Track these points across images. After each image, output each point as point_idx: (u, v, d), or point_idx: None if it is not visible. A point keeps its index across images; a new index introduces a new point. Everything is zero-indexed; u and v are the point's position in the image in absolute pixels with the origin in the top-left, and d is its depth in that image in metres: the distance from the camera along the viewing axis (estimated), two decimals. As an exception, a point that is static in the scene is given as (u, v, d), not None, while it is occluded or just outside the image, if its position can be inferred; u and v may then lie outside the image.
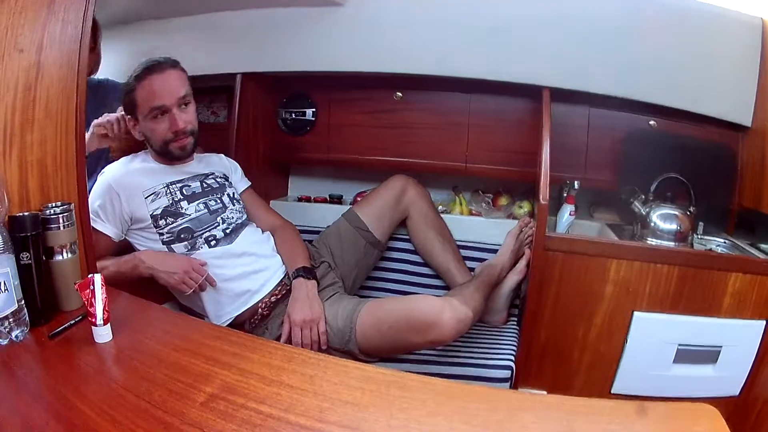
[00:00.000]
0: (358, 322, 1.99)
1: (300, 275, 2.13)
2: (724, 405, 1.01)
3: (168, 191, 2.09)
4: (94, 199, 1.99)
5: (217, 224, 2.14)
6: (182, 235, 2.07)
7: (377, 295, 2.67)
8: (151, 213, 2.04)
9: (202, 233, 2.10)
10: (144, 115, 2.08)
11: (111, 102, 2.30)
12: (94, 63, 2.47)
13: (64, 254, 1.43)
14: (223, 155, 2.48)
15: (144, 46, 2.61)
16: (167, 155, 2.16)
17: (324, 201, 3.18)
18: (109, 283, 1.47)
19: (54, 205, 1.43)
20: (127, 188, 2.04)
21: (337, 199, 3.18)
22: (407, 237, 2.74)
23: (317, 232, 2.65)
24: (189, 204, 2.11)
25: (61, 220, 1.40)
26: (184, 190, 2.13)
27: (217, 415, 0.98)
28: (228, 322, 2.09)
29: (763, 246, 2.30)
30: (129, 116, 2.13)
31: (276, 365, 1.18)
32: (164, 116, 2.08)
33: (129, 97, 2.09)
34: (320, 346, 2.01)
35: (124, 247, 2.11)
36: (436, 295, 2.05)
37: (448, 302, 1.92)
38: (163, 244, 2.06)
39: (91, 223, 1.76)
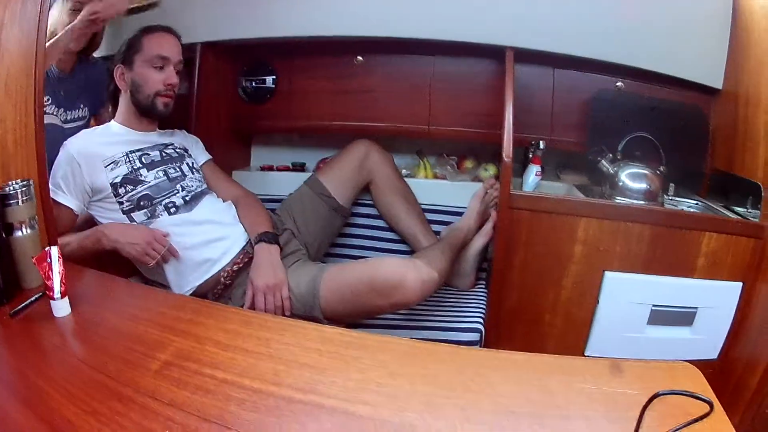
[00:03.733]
0: (321, 287, 1.97)
1: (262, 240, 2.10)
2: (703, 368, 1.01)
3: (127, 159, 2.08)
4: (55, 171, 2.00)
5: (176, 191, 2.12)
6: (142, 203, 2.05)
7: (342, 262, 2.63)
8: (110, 181, 2.02)
9: (162, 200, 2.08)
10: (144, 61, 2.15)
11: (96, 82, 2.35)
12: (97, 34, 2.46)
13: (24, 230, 1.44)
14: (184, 131, 2.47)
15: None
16: (149, 109, 2.18)
17: (287, 169, 3.17)
18: (74, 258, 1.50)
19: (14, 182, 1.43)
20: (88, 158, 2.02)
21: (299, 167, 3.15)
22: (371, 202, 2.72)
23: (281, 201, 2.63)
24: (148, 171, 2.10)
25: (19, 195, 1.41)
26: (143, 159, 2.12)
27: (170, 383, 0.98)
28: (190, 292, 2.06)
29: (736, 208, 2.29)
30: (120, 65, 2.17)
31: (232, 330, 1.20)
32: (162, 70, 2.17)
33: (134, 42, 2.17)
34: (284, 312, 1.99)
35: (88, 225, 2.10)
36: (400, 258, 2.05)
37: (411, 263, 1.92)
38: (123, 214, 2.05)
39: (53, 196, 1.83)
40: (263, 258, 2.05)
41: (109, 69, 2.20)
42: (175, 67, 2.19)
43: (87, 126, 2.50)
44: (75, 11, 2.26)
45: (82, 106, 2.46)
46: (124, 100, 2.21)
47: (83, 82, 2.33)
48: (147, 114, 2.20)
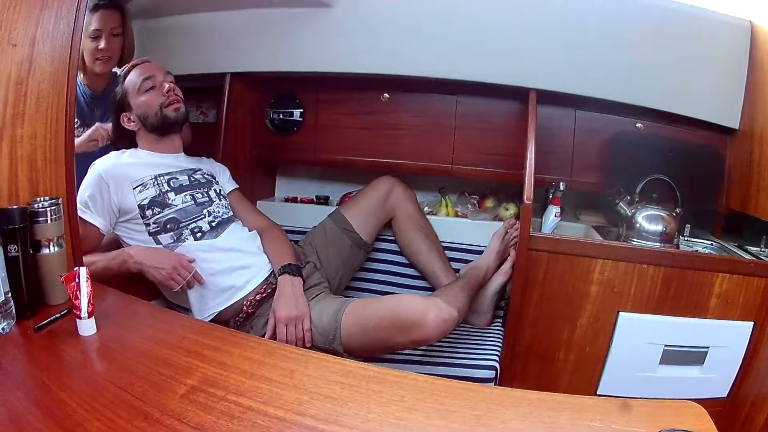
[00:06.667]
0: (342, 321, 1.98)
1: (286, 272, 2.12)
2: (712, 407, 1.02)
3: (156, 182, 2.11)
4: (84, 190, 2.01)
5: (203, 216, 2.15)
6: (168, 226, 2.08)
7: (362, 296, 2.67)
8: (138, 203, 2.05)
9: (188, 224, 2.11)
10: (136, 92, 2.18)
11: None
12: (125, 49, 2.52)
13: (51, 248, 1.45)
14: (212, 159, 2.50)
15: (136, 46, 2.62)
16: (163, 123, 2.21)
17: (311, 202, 3.18)
18: (98, 278, 1.49)
19: (42, 199, 1.44)
20: (116, 179, 2.05)
21: (323, 200, 3.18)
22: (393, 238, 2.74)
23: (303, 233, 2.66)
24: (176, 195, 2.13)
25: (48, 214, 1.42)
26: (171, 182, 2.15)
27: (196, 407, 0.99)
28: (212, 317, 2.08)
29: (750, 248, 2.30)
30: (123, 113, 2.21)
31: (257, 359, 1.20)
32: (154, 89, 2.20)
33: (120, 88, 2.21)
34: (305, 344, 2.00)
35: (113, 245, 2.13)
36: (421, 296, 2.06)
37: (432, 302, 1.91)
38: (149, 236, 2.07)
39: (80, 215, 1.83)
40: (286, 289, 2.08)
41: (115, 123, 2.25)
42: (166, 79, 2.23)
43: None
44: (94, 39, 2.34)
45: None
46: (141, 135, 2.24)
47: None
48: (165, 130, 2.23)
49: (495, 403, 1.05)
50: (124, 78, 2.21)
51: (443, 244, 2.71)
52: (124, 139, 2.25)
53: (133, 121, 2.20)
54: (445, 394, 1.08)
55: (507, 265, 2.52)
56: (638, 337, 2.21)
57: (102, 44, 2.38)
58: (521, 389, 1.11)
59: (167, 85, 2.20)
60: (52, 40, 1.45)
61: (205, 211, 2.17)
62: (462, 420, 1.00)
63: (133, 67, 2.23)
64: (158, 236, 2.07)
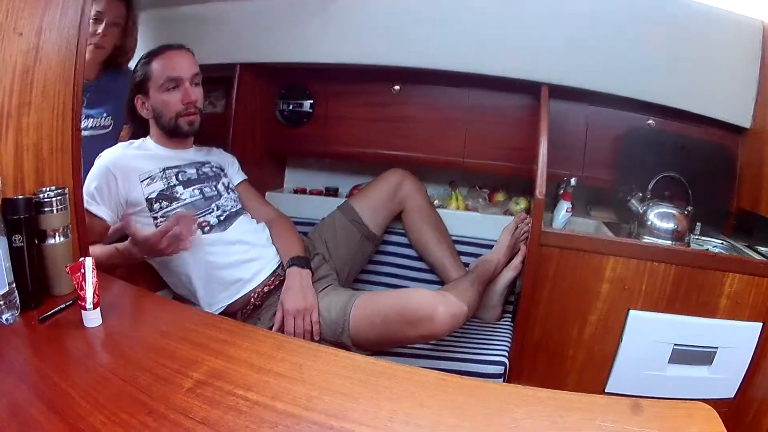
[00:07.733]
0: (351, 314, 1.97)
1: (294, 264, 2.12)
2: (719, 407, 1.02)
3: (164, 176, 2.09)
4: (90, 182, 1.99)
5: (211, 210, 2.13)
6: None
7: (371, 289, 2.68)
8: (146, 196, 2.04)
9: (196, 218, 2.08)
10: (157, 87, 2.13)
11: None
12: (127, 43, 2.47)
13: (57, 238, 1.43)
14: (221, 149, 2.48)
15: (145, 36, 2.60)
16: (174, 131, 2.18)
17: (320, 193, 3.18)
18: (104, 269, 1.47)
19: (48, 189, 1.43)
20: (123, 171, 2.03)
21: (332, 192, 3.17)
22: (403, 231, 2.73)
23: (312, 225, 2.65)
24: (184, 189, 2.12)
25: (54, 204, 1.41)
26: (179, 176, 2.14)
27: (202, 401, 0.98)
28: (220, 311, 2.06)
29: (760, 248, 2.29)
30: (138, 95, 2.17)
31: (265, 353, 1.18)
32: (177, 90, 2.14)
33: (144, 70, 2.15)
34: (312, 337, 1.99)
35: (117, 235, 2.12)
36: (431, 290, 2.04)
37: (442, 296, 1.91)
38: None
39: (87, 206, 1.81)
40: (295, 282, 2.07)
41: (130, 100, 2.21)
42: (191, 82, 2.17)
43: (113, 135, 2.51)
44: (96, 20, 2.28)
45: (105, 114, 2.46)
46: (152, 125, 2.22)
47: (110, 91, 2.35)
48: (175, 136, 2.21)
49: (506, 401, 1.04)
50: (151, 59, 2.15)
51: (453, 237, 2.70)
52: (134, 120, 2.25)
53: (147, 109, 2.18)
54: (456, 391, 1.07)
55: (517, 260, 2.52)
56: (648, 335, 2.20)
57: (100, 29, 2.31)
58: (532, 387, 1.09)
59: (190, 97, 2.15)
60: (59, 29, 1.44)
61: (213, 205, 2.15)
62: (473, 418, 0.98)
63: (163, 49, 2.17)
64: None
